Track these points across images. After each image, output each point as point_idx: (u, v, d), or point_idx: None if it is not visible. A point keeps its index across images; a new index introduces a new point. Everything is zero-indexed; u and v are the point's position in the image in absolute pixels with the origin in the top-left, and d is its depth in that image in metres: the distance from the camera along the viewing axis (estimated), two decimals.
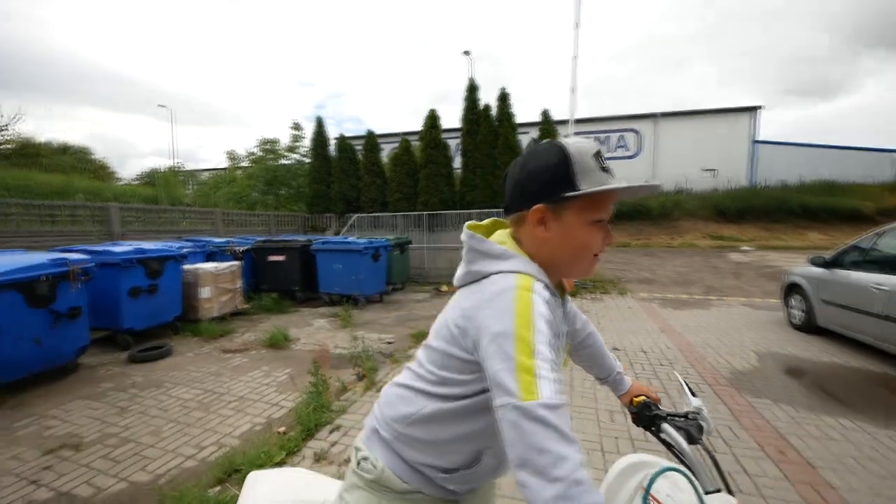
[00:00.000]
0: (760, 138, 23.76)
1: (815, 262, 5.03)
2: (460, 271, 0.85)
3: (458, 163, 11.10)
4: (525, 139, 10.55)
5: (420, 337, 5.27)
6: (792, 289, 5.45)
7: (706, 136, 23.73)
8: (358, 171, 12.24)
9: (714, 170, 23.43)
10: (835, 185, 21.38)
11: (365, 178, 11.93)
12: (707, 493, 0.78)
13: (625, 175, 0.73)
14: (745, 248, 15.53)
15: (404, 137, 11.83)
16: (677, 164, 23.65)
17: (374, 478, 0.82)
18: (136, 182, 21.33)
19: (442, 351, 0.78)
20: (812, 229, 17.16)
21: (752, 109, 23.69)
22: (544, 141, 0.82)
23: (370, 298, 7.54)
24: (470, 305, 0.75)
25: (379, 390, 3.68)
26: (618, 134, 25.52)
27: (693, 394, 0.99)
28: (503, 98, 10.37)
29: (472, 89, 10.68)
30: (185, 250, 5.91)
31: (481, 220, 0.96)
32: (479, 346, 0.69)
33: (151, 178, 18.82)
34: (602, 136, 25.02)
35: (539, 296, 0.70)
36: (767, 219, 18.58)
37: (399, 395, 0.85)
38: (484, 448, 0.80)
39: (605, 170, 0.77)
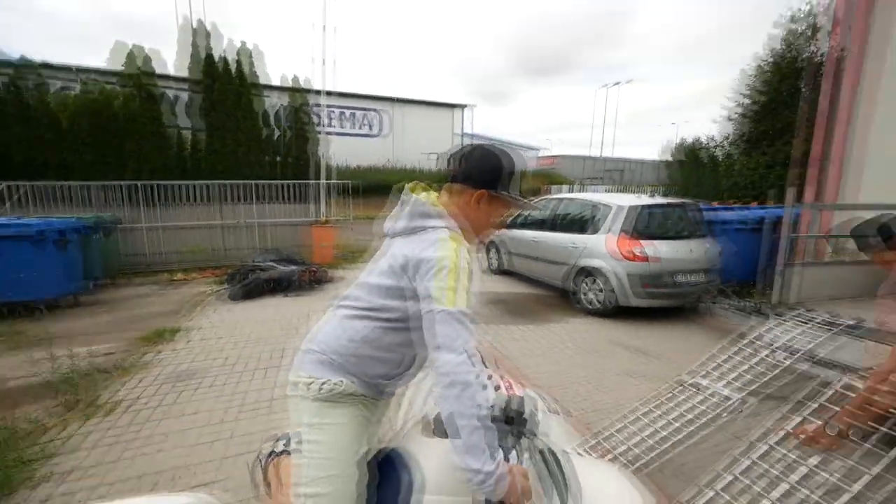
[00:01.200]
0: (469, 131, 30.40)
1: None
2: (398, 225, 1.12)
3: (183, 121, 9.05)
4: (272, 103, 9.65)
5: (155, 338, 4.31)
6: (491, 245, 7.58)
7: (433, 125, 28.33)
8: (2, 116, 8.05)
9: (436, 154, 28.44)
10: None
11: (18, 128, 8.00)
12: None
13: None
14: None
15: (85, 77, 8.56)
16: (413, 147, 27.26)
17: (341, 390, 1.05)
18: None
19: (385, 285, 1.06)
20: None
21: (463, 106, 29.88)
22: (494, 145, 1.16)
23: (58, 302, 5.42)
24: (412, 248, 1.03)
25: (108, 413, 2.90)
26: (363, 112, 26.85)
27: None
28: (244, 54, 9.07)
29: (197, 34, 8.81)
30: None
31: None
32: (417, 274, 0.99)
33: None
34: (348, 112, 25.73)
35: (463, 246, 1.03)
36: None
37: (345, 325, 1.09)
38: (416, 353, 1.10)
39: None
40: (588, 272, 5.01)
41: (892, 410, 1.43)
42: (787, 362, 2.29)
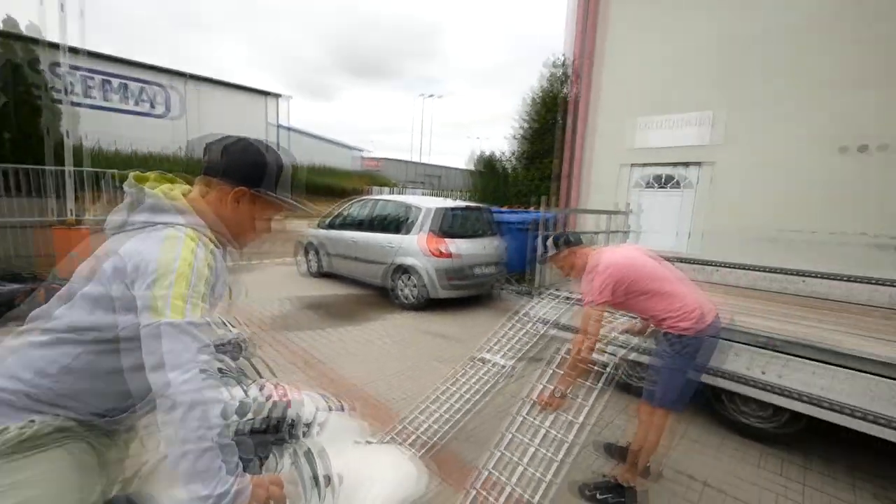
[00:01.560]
0: (285, 123, 28.06)
1: (319, 225, 6.90)
2: (120, 217, 0.93)
3: None
4: None
5: None
6: (308, 246, 7.21)
7: (241, 112, 24.97)
8: None
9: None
10: (332, 169, 29.42)
11: None
12: (250, 383, 1.09)
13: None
14: (276, 217, 18.35)
15: None
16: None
17: (33, 433, 0.80)
18: None
19: (93, 295, 0.84)
20: (322, 203, 22.83)
21: (278, 96, 27.34)
22: (261, 140, 1.03)
23: None
24: (132, 248, 0.84)
25: None
26: (141, 85, 21.47)
27: (232, 325, 1.27)
28: None
29: None
30: None
31: None
32: (136, 280, 0.81)
33: None
34: (116, 81, 20.17)
35: (203, 247, 0.89)
36: (294, 194, 22.76)
37: (31, 356, 0.84)
38: (143, 384, 0.81)
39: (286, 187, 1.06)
40: (404, 269, 5.31)
41: (590, 365, 2.00)
42: (543, 330, 2.94)
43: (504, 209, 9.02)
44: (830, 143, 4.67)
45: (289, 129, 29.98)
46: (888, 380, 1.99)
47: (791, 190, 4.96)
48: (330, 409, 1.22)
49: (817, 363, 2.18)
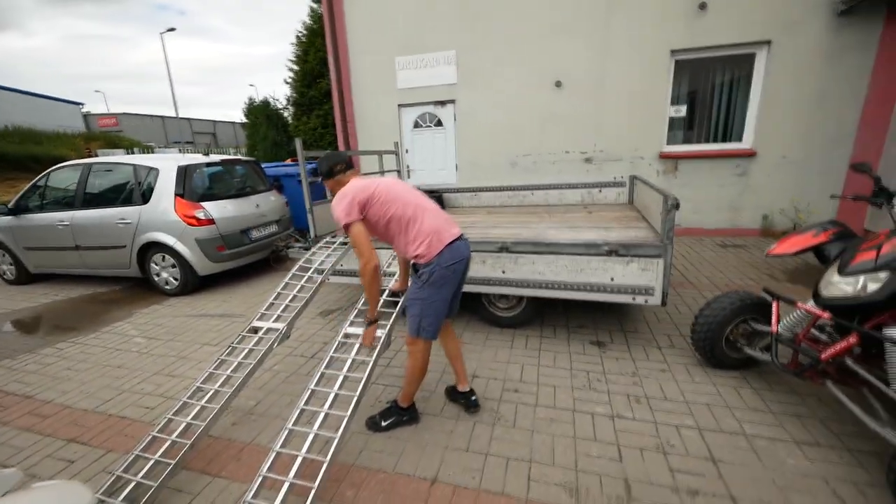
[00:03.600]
0: None
1: None
2: None
3: None
4: None
5: None
6: None
7: None
8: None
9: None
10: (38, 133, 20.69)
11: None
12: None
13: None
14: None
15: None
16: None
17: None
18: None
19: None
20: (23, 179, 15.94)
21: None
22: None
23: None
24: None
25: None
26: None
27: None
28: None
29: None
30: None
31: None
32: None
33: None
34: None
35: None
36: None
37: None
38: None
39: None
40: (154, 249, 4.20)
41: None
42: (320, 280, 2.77)
43: (289, 162, 8.16)
44: (545, 80, 5.75)
45: None
46: (571, 256, 2.65)
47: (519, 121, 5.99)
48: None
49: (534, 255, 2.74)
